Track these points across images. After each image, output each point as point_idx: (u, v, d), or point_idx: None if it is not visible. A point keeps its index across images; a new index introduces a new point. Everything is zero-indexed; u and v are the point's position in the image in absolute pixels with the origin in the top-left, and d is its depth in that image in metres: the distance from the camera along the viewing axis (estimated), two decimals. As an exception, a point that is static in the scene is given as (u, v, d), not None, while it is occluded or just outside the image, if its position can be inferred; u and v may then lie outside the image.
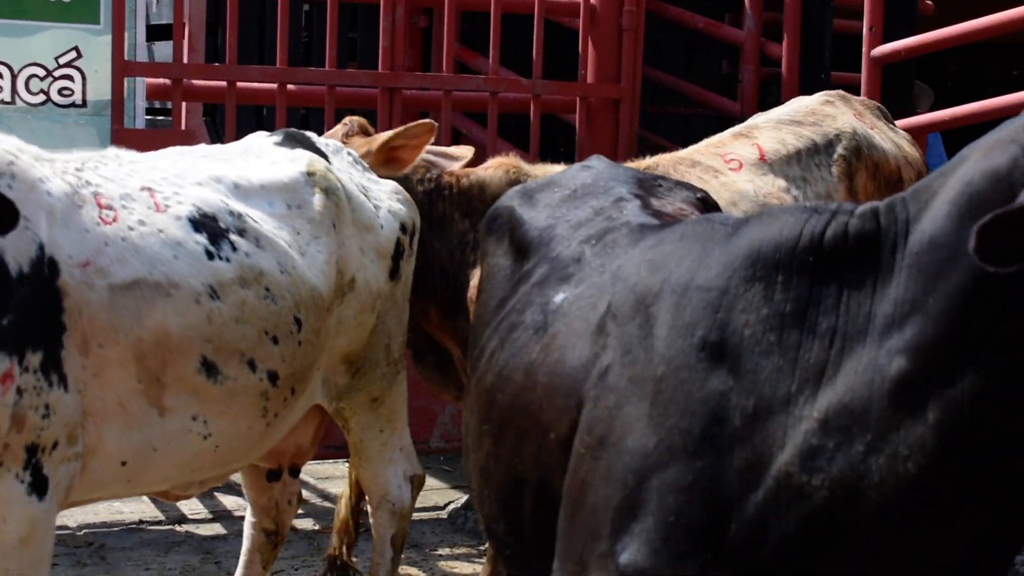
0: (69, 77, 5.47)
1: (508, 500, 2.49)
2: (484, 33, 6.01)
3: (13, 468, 2.69)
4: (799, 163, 4.28)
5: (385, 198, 3.76)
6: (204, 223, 3.08)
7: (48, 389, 2.72)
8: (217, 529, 5.29)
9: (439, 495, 6.01)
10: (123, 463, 2.94)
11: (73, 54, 5.46)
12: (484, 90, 6.44)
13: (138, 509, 5.22)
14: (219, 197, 3.21)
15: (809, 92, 6.49)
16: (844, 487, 1.72)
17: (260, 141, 3.64)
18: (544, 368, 2.31)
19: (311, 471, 6.23)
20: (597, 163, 3.06)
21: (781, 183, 4.20)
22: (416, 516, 5.57)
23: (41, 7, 5.46)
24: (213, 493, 5.64)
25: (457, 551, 5.38)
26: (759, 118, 4.63)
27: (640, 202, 2.69)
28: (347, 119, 4.44)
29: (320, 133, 6.16)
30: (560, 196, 2.89)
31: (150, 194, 3.05)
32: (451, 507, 5.83)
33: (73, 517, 5.06)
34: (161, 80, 5.90)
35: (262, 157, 3.50)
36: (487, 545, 5.15)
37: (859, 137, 4.40)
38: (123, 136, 5.34)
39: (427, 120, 4.26)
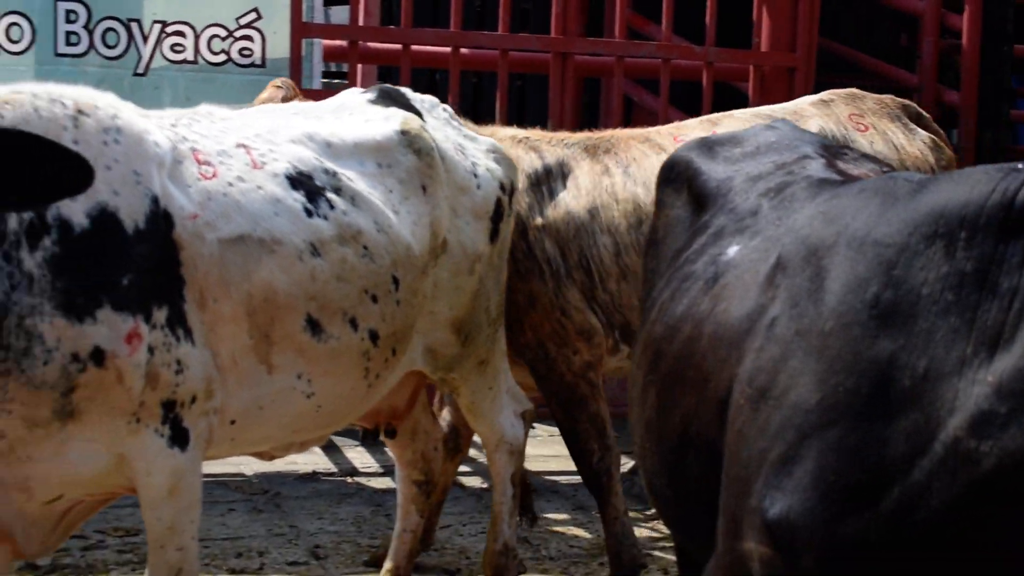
0: (249, 38, 5.59)
1: (670, 455, 2.42)
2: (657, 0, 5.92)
3: (151, 424, 2.71)
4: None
5: (482, 157, 3.71)
6: (301, 181, 3.07)
7: (176, 344, 2.72)
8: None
9: None
10: (232, 422, 2.94)
11: (253, 15, 5.58)
12: (656, 57, 6.35)
13: (312, 460, 5.30)
14: (313, 155, 3.20)
15: (990, 65, 6.67)
16: (1014, 455, 1.63)
17: (354, 98, 3.63)
18: (711, 319, 2.26)
19: None
20: (783, 125, 2.97)
21: None
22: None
23: None
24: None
25: None
26: (745, 111, 4.54)
27: (824, 161, 2.59)
28: (280, 80, 4.42)
29: (492, 101, 6.27)
30: (741, 151, 2.79)
31: (246, 151, 3.04)
32: None
33: (249, 466, 5.16)
34: (337, 42, 6.02)
35: (355, 115, 3.49)
36: (652, 510, 5.16)
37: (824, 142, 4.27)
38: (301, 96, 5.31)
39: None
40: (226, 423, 2.96)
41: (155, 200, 2.72)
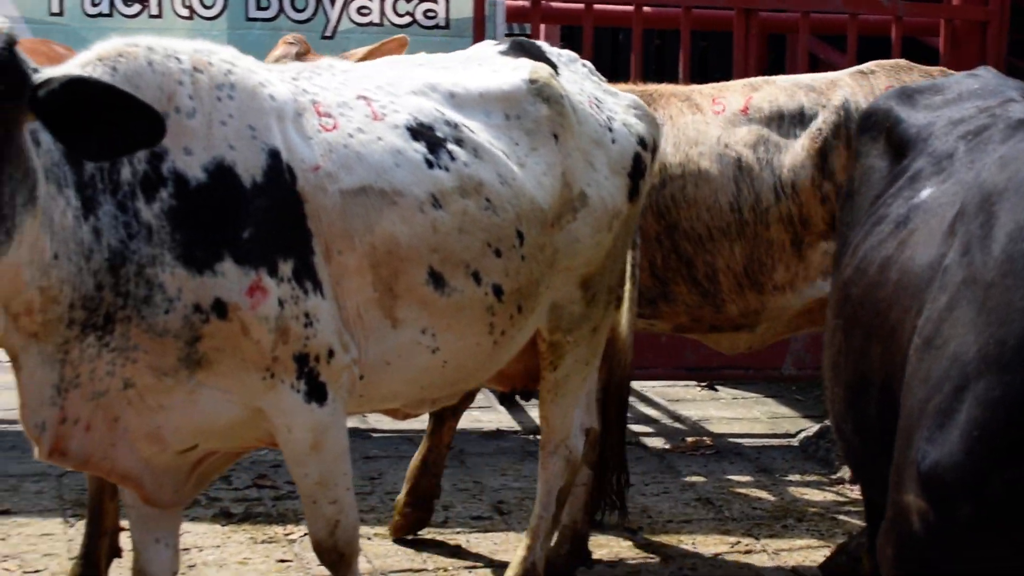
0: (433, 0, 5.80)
1: (855, 399, 2.46)
2: (843, -47, 5.75)
3: (287, 379, 2.72)
4: (779, 126, 4.19)
5: (620, 112, 3.64)
6: (421, 132, 3.06)
7: (305, 297, 2.72)
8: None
9: (790, 423, 5.97)
10: (360, 376, 2.94)
11: None
12: (843, 12, 6.22)
13: (496, 418, 5.41)
14: (434, 106, 3.18)
15: None
16: None
17: (485, 50, 3.61)
18: (897, 265, 2.27)
19: (662, 392, 6.37)
20: (986, 72, 2.90)
21: (749, 139, 4.16)
22: (767, 443, 5.73)
23: None
24: None
25: (808, 478, 5.31)
26: (787, 78, 4.57)
27: None
28: (292, 36, 4.34)
29: (676, 61, 6.22)
30: (943, 99, 2.79)
31: (366, 103, 3.04)
32: (802, 435, 5.70)
33: (435, 424, 5.58)
34: (520, 2, 6.06)
35: (483, 65, 3.45)
36: (837, 475, 5.31)
37: (847, 113, 4.18)
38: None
39: (401, 36, 4.34)
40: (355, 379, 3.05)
41: (274, 154, 2.74)
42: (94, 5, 5.87)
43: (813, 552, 4.48)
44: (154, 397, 2.66)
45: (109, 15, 5.82)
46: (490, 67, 3.45)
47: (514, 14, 6.23)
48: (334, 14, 5.78)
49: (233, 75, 2.78)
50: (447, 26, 5.81)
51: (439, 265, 2.99)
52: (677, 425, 5.99)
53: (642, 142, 3.58)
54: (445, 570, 4.21)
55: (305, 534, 4.18)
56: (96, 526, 3.68)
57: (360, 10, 5.76)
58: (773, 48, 7.27)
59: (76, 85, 2.37)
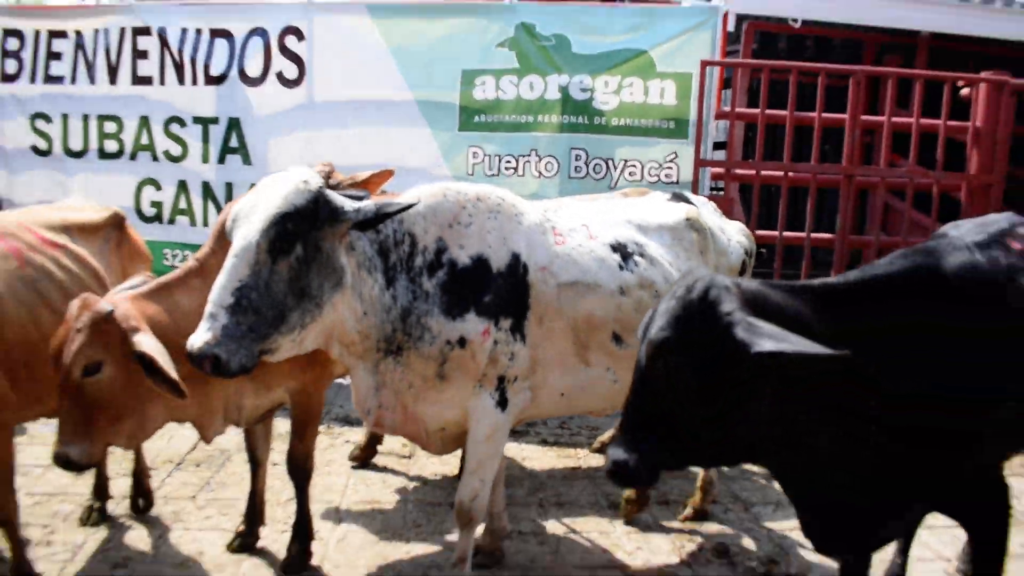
0: (671, 168, 7.42)
1: None
2: None
3: (488, 389, 3.26)
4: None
5: (734, 233, 4.31)
6: (618, 247, 3.58)
7: (513, 342, 3.26)
8: None
9: None
10: (562, 394, 3.49)
11: (674, 155, 7.40)
12: (906, 177, 7.36)
13: None
14: (628, 232, 3.69)
15: None
16: None
17: (656, 197, 4.20)
18: None
19: None
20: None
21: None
22: None
23: (660, 131, 7.36)
24: None
25: None
26: (601, 195, 4.54)
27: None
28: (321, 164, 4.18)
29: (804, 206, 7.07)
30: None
31: (586, 228, 3.59)
32: None
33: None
34: (719, 169, 7.54)
35: (656, 206, 4.00)
36: None
37: None
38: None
39: (388, 169, 4.41)
40: (558, 395, 3.50)
41: (516, 256, 3.27)
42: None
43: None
44: (423, 394, 3.25)
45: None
46: (663, 208, 4.00)
47: (715, 176, 7.74)
48: (616, 175, 7.41)
49: (501, 205, 3.37)
50: (678, 182, 7.28)
51: (620, 331, 3.51)
52: None
53: (746, 252, 4.30)
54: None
55: (587, 454, 5.70)
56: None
57: (631, 174, 7.43)
58: (861, 198, 8.10)
59: (381, 209, 3.01)
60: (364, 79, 7.77)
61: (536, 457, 5.70)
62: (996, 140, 7.53)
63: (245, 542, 4.19)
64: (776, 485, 5.01)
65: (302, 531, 4.00)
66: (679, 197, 4.19)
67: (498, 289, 3.21)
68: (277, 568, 4.08)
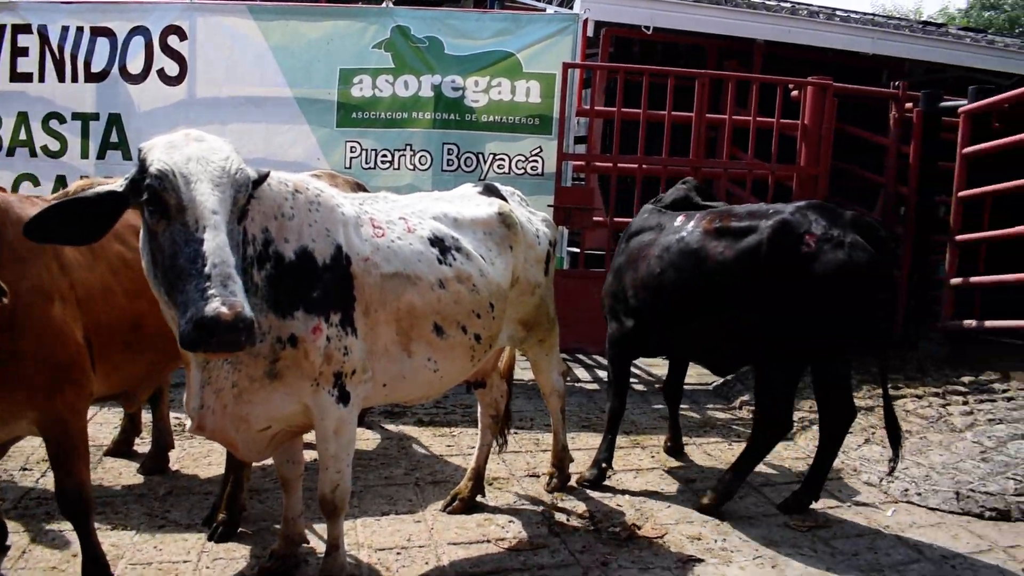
0: (536, 161, 7.62)
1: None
2: None
3: (326, 386, 2.97)
4: None
5: (539, 224, 4.12)
6: (436, 241, 3.39)
7: (345, 336, 2.97)
8: (597, 387, 6.82)
9: (709, 377, 6.91)
10: (384, 384, 3.23)
11: (539, 149, 7.57)
12: (745, 169, 7.82)
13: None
14: (445, 226, 3.50)
15: (926, 174, 7.60)
16: None
17: (469, 190, 3.97)
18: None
19: (642, 361, 7.42)
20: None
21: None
22: (697, 387, 6.74)
23: (525, 127, 7.54)
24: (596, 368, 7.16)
25: (717, 406, 6.44)
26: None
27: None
28: (88, 180, 4.18)
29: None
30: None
31: (405, 221, 3.36)
32: (714, 384, 6.93)
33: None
34: (581, 162, 7.72)
35: (470, 201, 3.80)
36: (732, 404, 6.32)
37: None
38: (561, 190, 7.23)
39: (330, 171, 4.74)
40: (380, 385, 3.21)
41: (339, 247, 2.98)
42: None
43: (719, 444, 5.52)
44: (247, 395, 2.86)
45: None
46: (474, 202, 3.79)
47: (577, 168, 7.79)
48: (485, 168, 7.52)
49: (321, 196, 3.03)
50: (543, 175, 7.54)
51: (440, 322, 3.33)
52: (650, 378, 7.14)
53: (551, 242, 4.13)
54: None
55: (462, 431, 5.47)
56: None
57: (499, 167, 7.54)
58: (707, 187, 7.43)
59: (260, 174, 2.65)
60: (245, 77, 7.52)
61: (412, 437, 5.46)
62: (821, 136, 7.73)
63: None
64: (636, 453, 4.91)
65: (94, 571, 3.22)
66: (490, 189, 3.98)
67: (325, 283, 2.90)
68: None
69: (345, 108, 7.55)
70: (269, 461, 4.21)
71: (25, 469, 4.72)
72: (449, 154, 7.52)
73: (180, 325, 2.28)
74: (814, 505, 4.40)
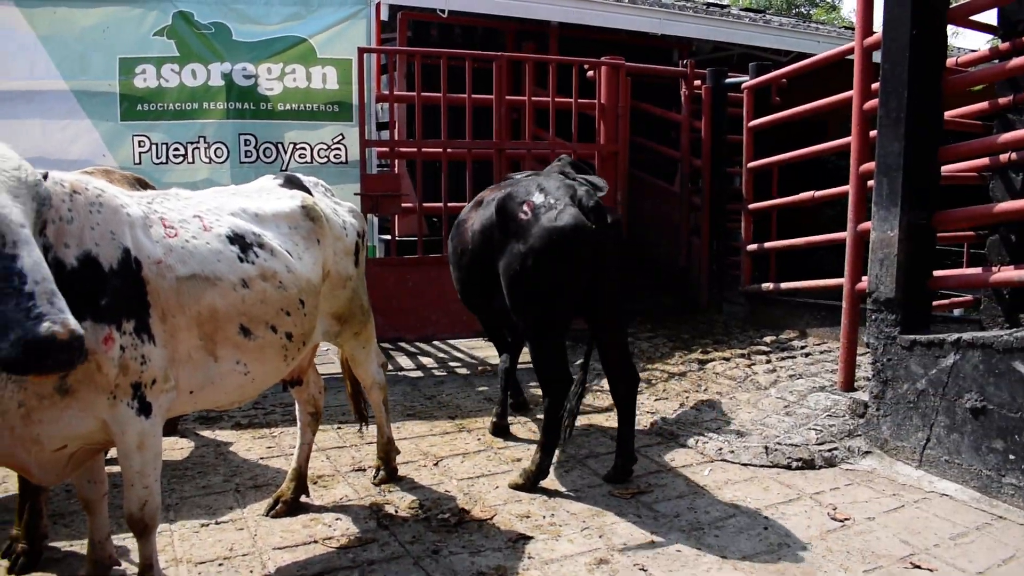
0: (339, 149, 7.57)
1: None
2: None
3: (124, 399, 2.83)
4: None
5: (346, 215, 4.04)
6: (236, 239, 3.28)
7: (142, 344, 2.83)
8: (420, 374, 6.75)
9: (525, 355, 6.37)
10: (190, 392, 3.11)
11: (340, 137, 7.54)
12: (548, 148, 7.90)
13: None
14: (244, 222, 3.40)
15: (717, 146, 8.14)
16: None
17: (269, 183, 3.87)
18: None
19: (465, 343, 7.45)
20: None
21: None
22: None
23: (325, 114, 7.46)
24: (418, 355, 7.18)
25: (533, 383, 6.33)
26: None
27: None
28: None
29: (463, 177, 7.46)
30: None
31: (199, 219, 3.23)
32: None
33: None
34: (384, 148, 7.73)
35: (271, 194, 3.71)
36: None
37: None
38: (366, 178, 7.13)
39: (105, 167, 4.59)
40: (186, 393, 3.09)
41: (127, 251, 2.81)
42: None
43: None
44: (36, 414, 2.69)
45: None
46: (275, 196, 3.69)
47: (381, 155, 7.83)
48: (287, 158, 7.46)
49: (103, 197, 2.83)
50: (347, 162, 7.52)
51: (247, 323, 3.22)
52: (473, 360, 7.18)
53: (359, 233, 4.04)
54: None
55: (283, 431, 5.32)
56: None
57: (300, 155, 7.42)
58: (512, 168, 8.03)
59: None
60: (12, 70, 6.95)
61: (231, 442, 5.23)
62: (618, 114, 8.02)
63: None
64: (462, 437, 4.92)
65: None
66: (292, 181, 3.89)
67: (113, 290, 2.73)
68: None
69: (129, 100, 7.16)
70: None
71: None
72: (247, 145, 7.32)
73: (2, 350, 2.09)
74: (637, 473, 4.52)
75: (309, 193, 3.86)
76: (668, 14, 10.92)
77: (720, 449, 4.92)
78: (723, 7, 12.89)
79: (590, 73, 8.32)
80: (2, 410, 2.64)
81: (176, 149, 7.17)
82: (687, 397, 5.87)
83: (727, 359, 6.96)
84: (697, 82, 8.61)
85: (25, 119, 7.01)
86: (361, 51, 7.18)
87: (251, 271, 3.25)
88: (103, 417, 2.82)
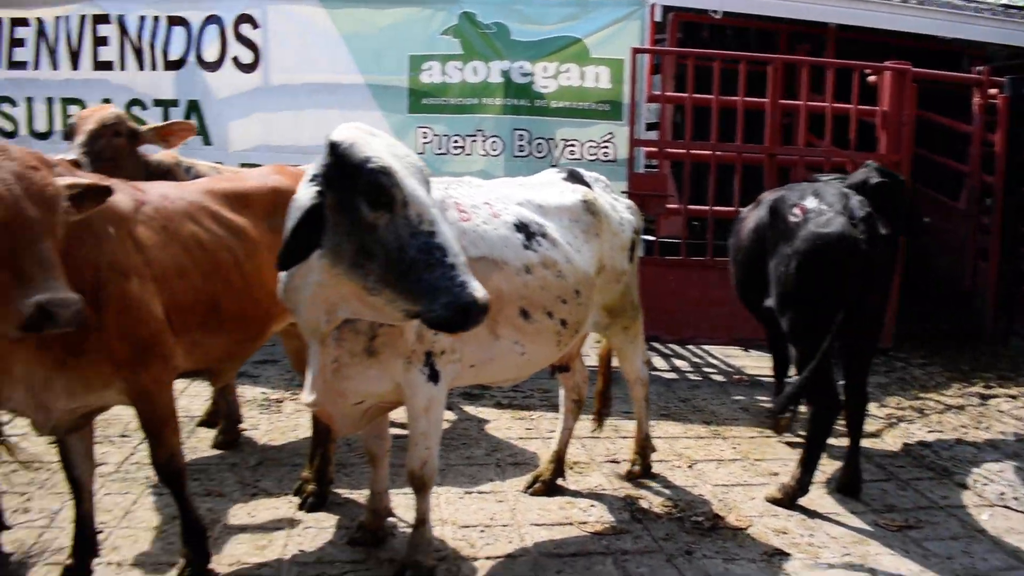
0: (608, 147, 7.58)
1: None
2: None
3: (418, 365, 3.07)
4: None
5: (624, 211, 4.11)
6: (521, 227, 3.42)
7: None
8: (675, 376, 6.84)
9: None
10: (471, 366, 3.31)
11: (610, 135, 7.55)
12: (822, 156, 7.45)
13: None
14: (530, 212, 3.53)
15: (1012, 162, 7.51)
16: None
17: (552, 176, 4.01)
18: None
19: (720, 351, 7.35)
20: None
21: None
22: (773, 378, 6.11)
23: (595, 113, 7.50)
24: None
25: None
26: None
27: None
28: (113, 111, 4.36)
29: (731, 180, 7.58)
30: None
31: (489, 206, 3.39)
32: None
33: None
34: (653, 148, 7.65)
35: (555, 187, 3.84)
36: None
37: None
38: (634, 177, 7.18)
39: (190, 122, 4.82)
40: (467, 367, 3.29)
41: None
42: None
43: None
44: (346, 369, 3.00)
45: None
46: (558, 189, 3.81)
47: (649, 154, 7.73)
48: (557, 154, 7.48)
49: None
50: (615, 160, 7.48)
51: (527, 307, 3.38)
52: (728, 368, 7.08)
53: (635, 230, 4.10)
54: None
55: (540, 415, 5.55)
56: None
57: (571, 152, 7.49)
58: (782, 175, 7.68)
59: None
60: (317, 64, 7.66)
61: (492, 419, 5.52)
62: (902, 123, 7.54)
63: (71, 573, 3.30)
64: (717, 443, 4.86)
65: (192, 534, 3.36)
66: (574, 176, 3.99)
67: None
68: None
69: (416, 94, 7.63)
70: (353, 436, 4.40)
71: (124, 436, 5.00)
72: (520, 140, 7.52)
73: (427, 310, 2.48)
74: (906, 506, 4.33)
75: (590, 188, 3.94)
76: (960, 16, 10.04)
77: (1003, 494, 4.59)
78: (1022, 8, 11.70)
79: (872, 78, 7.90)
80: (321, 364, 2.97)
81: (456, 141, 7.49)
82: (965, 433, 5.56)
83: (1014, 397, 6.38)
84: (993, 91, 7.95)
85: (327, 109, 7.63)
86: (635, 51, 7.19)
87: (534, 258, 3.38)
88: (398, 379, 3.07)
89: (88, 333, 2.81)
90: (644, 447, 4.50)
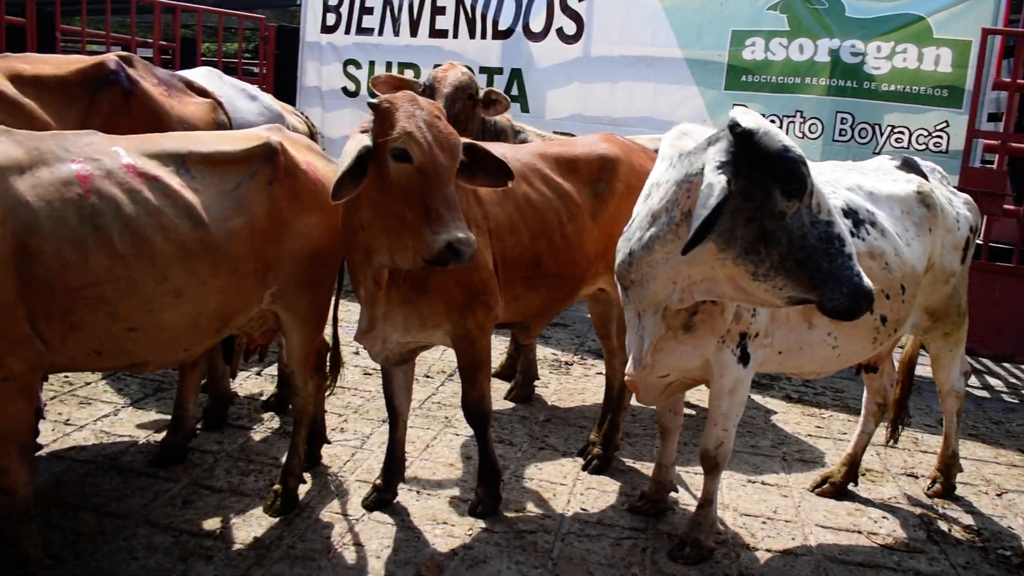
0: (940, 137, 6.91)
1: None
2: None
3: (730, 345, 3.08)
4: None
5: (960, 206, 3.88)
6: (850, 213, 3.32)
7: None
8: (986, 395, 6.33)
9: None
10: (780, 352, 3.28)
11: (945, 124, 6.88)
12: None
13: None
14: (859, 198, 3.43)
15: None
16: None
17: (886, 163, 3.82)
18: None
19: None
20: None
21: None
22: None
23: (931, 99, 6.82)
24: None
25: None
26: None
27: None
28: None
29: None
30: None
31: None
32: None
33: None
34: (993, 141, 6.95)
35: (887, 175, 3.68)
36: None
37: None
38: (968, 171, 6.55)
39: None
40: (776, 353, 3.26)
41: None
42: None
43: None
44: (661, 342, 3.05)
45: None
46: (891, 177, 3.66)
47: (988, 148, 6.96)
48: (881, 140, 6.90)
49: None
50: (947, 152, 6.80)
51: None
52: None
53: (971, 228, 3.85)
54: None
55: (832, 415, 5.36)
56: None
57: (897, 139, 6.90)
58: None
59: None
60: (637, 37, 7.68)
61: (780, 412, 5.39)
62: None
63: (381, 497, 3.67)
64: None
65: (489, 474, 3.65)
66: (909, 164, 3.80)
67: None
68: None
69: (735, 71, 7.41)
70: (637, 408, 4.53)
71: (428, 376, 5.49)
72: (842, 123, 7.04)
73: (827, 298, 2.53)
74: None
75: (926, 179, 3.75)
76: None
77: None
78: None
79: None
80: (659, 337, 3.02)
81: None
82: None
83: None
84: None
85: (642, 82, 7.73)
86: (985, 32, 6.46)
87: (860, 247, 3.24)
88: (708, 357, 3.10)
89: (433, 274, 3.08)
90: (950, 465, 4.22)
